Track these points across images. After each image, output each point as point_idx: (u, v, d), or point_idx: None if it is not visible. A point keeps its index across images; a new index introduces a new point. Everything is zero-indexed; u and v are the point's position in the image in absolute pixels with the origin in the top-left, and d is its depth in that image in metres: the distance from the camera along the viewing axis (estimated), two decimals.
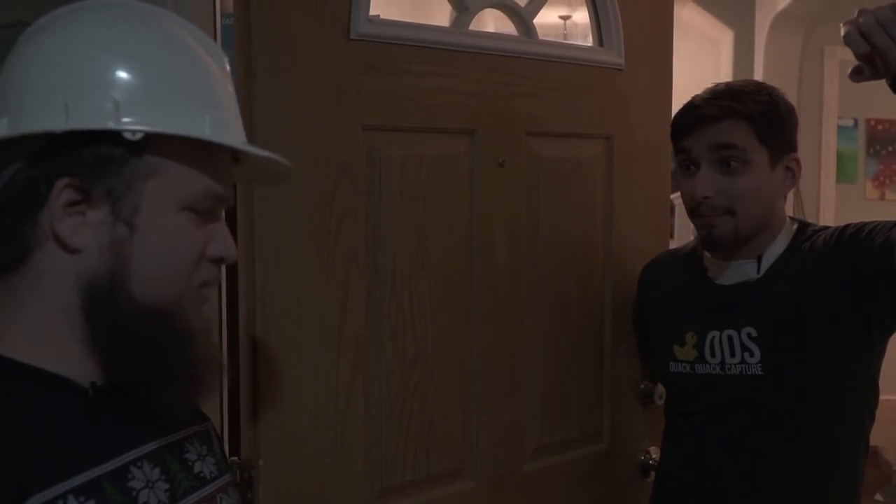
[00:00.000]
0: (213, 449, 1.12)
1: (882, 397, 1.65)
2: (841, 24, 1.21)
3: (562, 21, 4.86)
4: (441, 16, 3.24)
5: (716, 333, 1.62)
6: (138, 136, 0.90)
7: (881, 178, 6.21)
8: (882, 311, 1.51)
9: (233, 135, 0.98)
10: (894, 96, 1.26)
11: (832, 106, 5.74)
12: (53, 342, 0.94)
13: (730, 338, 1.60)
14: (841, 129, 5.91)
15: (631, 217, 1.93)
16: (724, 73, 4.17)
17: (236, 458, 1.44)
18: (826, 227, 1.62)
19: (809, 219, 1.74)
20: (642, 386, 1.96)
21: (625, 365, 1.94)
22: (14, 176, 0.92)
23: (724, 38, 4.80)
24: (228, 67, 1.02)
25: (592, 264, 1.88)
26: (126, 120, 0.90)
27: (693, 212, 1.60)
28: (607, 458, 1.94)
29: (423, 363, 1.63)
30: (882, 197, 6.19)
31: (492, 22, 3.42)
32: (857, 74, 1.24)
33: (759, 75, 4.96)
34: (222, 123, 0.96)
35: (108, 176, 0.91)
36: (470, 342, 1.70)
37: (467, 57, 1.64)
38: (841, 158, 5.93)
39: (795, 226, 1.64)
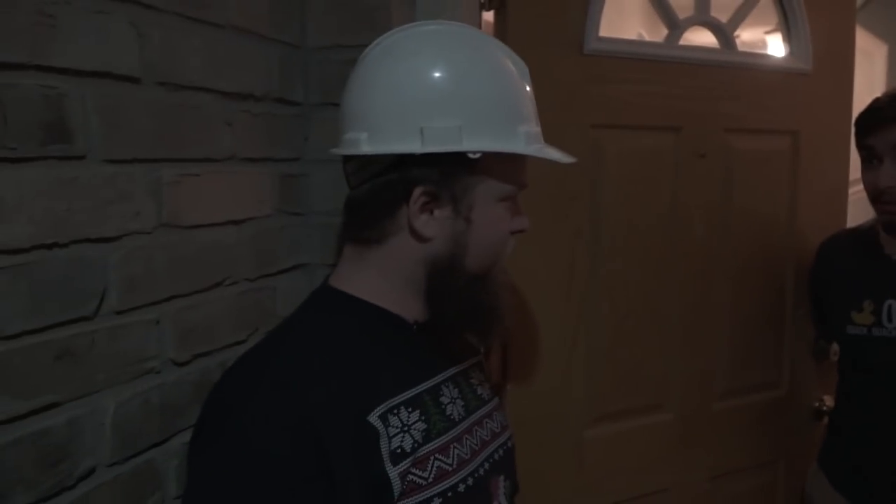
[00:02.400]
0: (486, 376, 1.26)
1: None
2: None
3: (765, 36, 4.86)
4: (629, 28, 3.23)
5: (892, 302, 1.73)
6: (477, 155, 1.01)
7: None
8: None
9: (535, 138, 1.07)
10: None
11: None
12: (390, 292, 1.07)
13: None
14: None
15: (813, 200, 2.05)
16: (877, 86, 4.08)
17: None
18: None
19: None
20: (818, 344, 2.09)
21: (803, 325, 2.07)
22: (374, 178, 1.04)
23: (878, 52, 4.67)
24: (527, 70, 1.11)
25: (777, 239, 2.02)
26: (468, 143, 1.01)
27: (876, 199, 1.72)
28: (785, 402, 2.08)
29: (633, 317, 1.84)
30: None
31: (685, 35, 3.46)
32: None
33: None
34: (530, 133, 1.06)
35: (451, 184, 1.03)
36: (670, 302, 1.89)
37: (675, 67, 1.82)
38: None
39: None
